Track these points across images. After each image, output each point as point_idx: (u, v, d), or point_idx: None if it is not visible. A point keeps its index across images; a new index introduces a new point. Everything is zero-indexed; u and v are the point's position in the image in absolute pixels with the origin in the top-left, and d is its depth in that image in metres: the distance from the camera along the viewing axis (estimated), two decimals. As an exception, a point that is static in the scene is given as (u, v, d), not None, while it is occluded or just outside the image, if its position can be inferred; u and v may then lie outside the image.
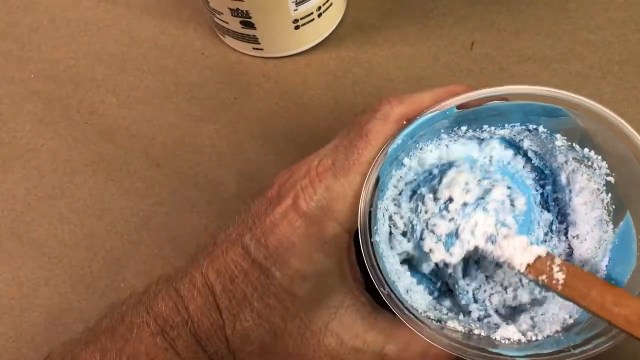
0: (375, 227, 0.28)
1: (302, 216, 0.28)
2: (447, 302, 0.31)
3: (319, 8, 0.41)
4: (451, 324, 0.28)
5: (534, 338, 0.28)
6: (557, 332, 0.28)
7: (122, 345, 0.27)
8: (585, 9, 0.44)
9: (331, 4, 0.42)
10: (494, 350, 0.26)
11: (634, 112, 0.41)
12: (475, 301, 0.31)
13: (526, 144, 0.32)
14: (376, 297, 0.28)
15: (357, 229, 0.28)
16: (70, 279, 0.40)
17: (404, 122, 0.29)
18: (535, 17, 0.44)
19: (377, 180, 0.28)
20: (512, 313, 0.31)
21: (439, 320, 0.28)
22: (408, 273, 0.30)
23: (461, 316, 0.30)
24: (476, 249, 0.29)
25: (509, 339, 0.28)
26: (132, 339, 0.27)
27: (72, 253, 0.40)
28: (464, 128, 0.30)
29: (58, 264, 0.40)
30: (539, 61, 0.43)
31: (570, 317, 0.29)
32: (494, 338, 0.28)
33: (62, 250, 0.40)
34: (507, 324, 0.29)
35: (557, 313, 0.29)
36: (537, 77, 0.43)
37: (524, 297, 0.30)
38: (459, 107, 0.28)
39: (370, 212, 0.28)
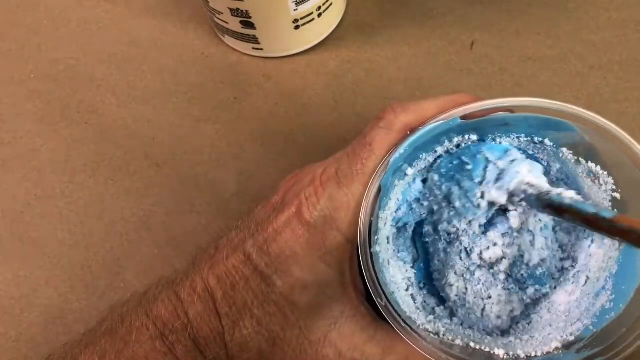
0: (376, 237, 0.28)
1: (305, 225, 0.27)
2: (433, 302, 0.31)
3: (319, 8, 0.41)
4: (449, 336, 0.28)
5: (532, 354, 0.27)
6: (557, 349, 0.27)
7: (121, 348, 0.27)
8: (585, 9, 0.44)
9: (331, 4, 0.42)
10: None
11: (634, 112, 0.41)
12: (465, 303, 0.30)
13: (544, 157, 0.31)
14: (377, 308, 0.28)
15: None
16: (70, 279, 0.40)
17: (408, 133, 0.28)
18: (535, 17, 0.44)
19: (379, 190, 0.28)
20: (509, 326, 0.30)
21: (437, 334, 0.28)
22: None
23: (459, 329, 0.30)
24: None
25: (507, 355, 0.27)
26: (131, 341, 0.27)
27: (72, 253, 0.40)
28: (467, 137, 0.30)
29: (58, 264, 0.40)
30: (539, 61, 0.43)
31: (571, 334, 0.28)
32: (492, 353, 0.27)
33: (62, 250, 0.40)
34: (505, 338, 0.29)
35: (558, 329, 0.29)
36: (537, 77, 0.42)
37: (516, 305, 0.30)
38: (463, 117, 0.28)
39: (370, 222, 0.27)
